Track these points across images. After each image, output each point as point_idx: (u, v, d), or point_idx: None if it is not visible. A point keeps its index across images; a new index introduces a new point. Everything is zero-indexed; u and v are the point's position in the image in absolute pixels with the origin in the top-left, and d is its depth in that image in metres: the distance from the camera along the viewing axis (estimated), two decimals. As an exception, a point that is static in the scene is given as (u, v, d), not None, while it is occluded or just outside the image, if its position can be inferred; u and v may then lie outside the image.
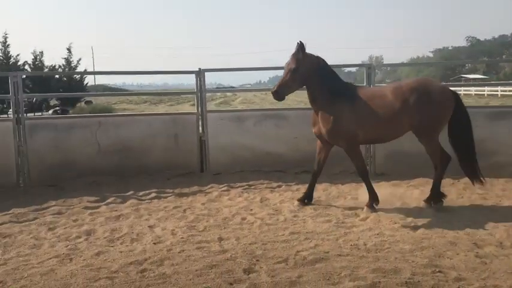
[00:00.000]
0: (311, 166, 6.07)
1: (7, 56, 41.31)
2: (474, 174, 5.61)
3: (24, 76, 7.22)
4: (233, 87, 44.46)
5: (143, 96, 47.34)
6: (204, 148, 7.62)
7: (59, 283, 3.60)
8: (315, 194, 6.13)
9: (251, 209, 5.68)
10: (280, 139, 7.52)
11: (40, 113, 25.93)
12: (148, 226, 5.10)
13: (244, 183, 6.96)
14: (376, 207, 5.52)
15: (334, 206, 5.76)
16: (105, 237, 4.76)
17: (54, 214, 5.64)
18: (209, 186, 6.89)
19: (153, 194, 6.45)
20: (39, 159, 7.00)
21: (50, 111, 27.41)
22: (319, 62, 5.59)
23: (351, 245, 4.37)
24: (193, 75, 7.58)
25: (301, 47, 5.46)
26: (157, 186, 6.81)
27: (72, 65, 42.64)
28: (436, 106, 5.40)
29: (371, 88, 6.43)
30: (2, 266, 4.00)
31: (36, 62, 42.37)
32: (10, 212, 5.70)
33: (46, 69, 41.37)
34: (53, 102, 31.43)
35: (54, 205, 5.99)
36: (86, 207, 5.90)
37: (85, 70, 42.67)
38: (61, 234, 4.89)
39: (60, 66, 42.30)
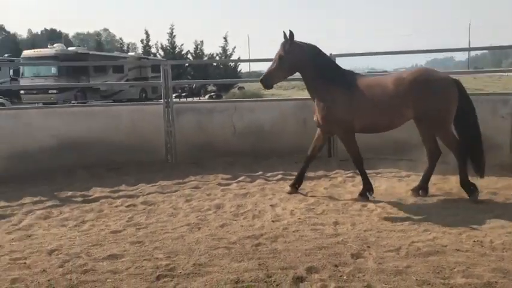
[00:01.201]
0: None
1: (173, 45, 45.95)
2: (479, 164, 5.40)
3: (171, 64, 7.97)
4: (387, 72, 42.79)
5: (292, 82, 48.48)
6: (332, 134, 7.67)
7: (185, 248, 4.10)
8: (446, 186, 5.80)
9: (374, 197, 5.62)
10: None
11: (198, 98, 28.51)
12: (270, 205, 5.42)
13: (372, 171, 6.83)
14: (370, 197, 5.49)
15: (466, 199, 5.38)
16: (231, 212, 5.21)
17: (192, 188, 6.31)
18: (335, 171, 6.97)
19: (280, 176, 6.77)
20: (185, 139, 7.83)
21: (207, 96, 29.96)
22: (310, 50, 5.60)
23: (474, 241, 4.10)
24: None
25: (289, 35, 5.51)
26: (284, 168, 7.11)
27: (228, 53, 45.69)
28: (440, 96, 5.26)
29: (371, 77, 6.14)
30: (143, 229, 4.68)
31: (197, 51, 46.35)
32: (157, 183, 6.52)
33: (205, 57, 44.98)
34: (210, 88, 34.05)
35: (194, 180, 6.70)
36: (219, 184, 6.47)
37: (238, 58, 45.59)
38: (195, 206, 5.48)
39: (217, 54, 45.63)
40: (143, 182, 6.54)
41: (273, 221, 4.81)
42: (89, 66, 24.28)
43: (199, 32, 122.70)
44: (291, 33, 5.52)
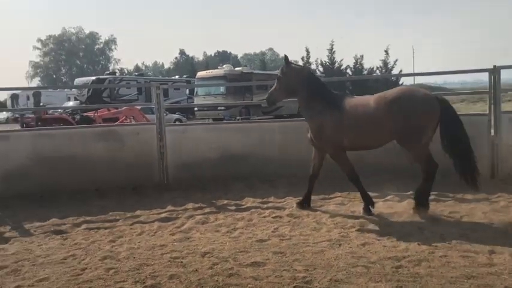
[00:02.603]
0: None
1: (332, 61, 46.57)
2: (471, 180, 5.47)
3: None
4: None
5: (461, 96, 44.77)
6: (494, 150, 6.95)
7: (323, 262, 4.17)
8: None
9: (374, 212, 5.50)
10: None
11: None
12: (418, 227, 5.13)
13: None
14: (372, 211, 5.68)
15: None
16: (374, 231, 5.10)
17: (337, 204, 6.34)
18: (497, 195, 6.28)
19: (432, 197, 6.35)
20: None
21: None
22: (304, 73, 6.10)
23: None
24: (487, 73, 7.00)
25: (285, 59, 6.14)
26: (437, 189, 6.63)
27: (389, 66, 44.48)
28: (417, 115, 5.41)
29: (358, 98, 6.23)
30: (286, 240, 4.88)
31: (357, 65, 46.16)
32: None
33: (365, 72, 44.51)
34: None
35: (339, 196, 6.72)
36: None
37: (400, 71, 43.92)
38: (338, 222, 5.50)
39: (377, 68, 44.77)
40: (291, 196, 6.78)
41: (418, 244, 4.57)
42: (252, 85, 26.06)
43: (361, 46, 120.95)
44: (286, 57, 6.16)
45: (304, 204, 6.24)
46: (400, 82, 43.42)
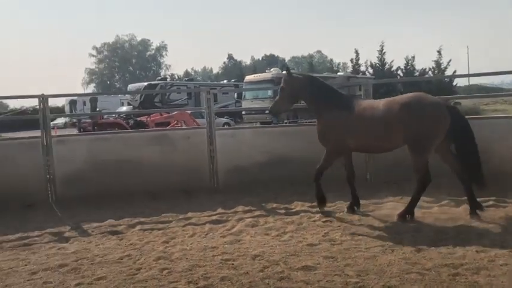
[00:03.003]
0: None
1: (382, 62, 45.62)
2: (480, 184, 5.59)
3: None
4: None
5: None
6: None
7: (376, 268, 4.09)
8: None
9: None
10: None
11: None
12: (477, 233, 4.95)
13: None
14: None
15: None
16: (428, 236, 4.95)
17: (390, 209, 6.16)
18: None
19: (491, 202, 6.09)
20: (383, 159, 7.63)
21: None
22: (306, 80, 6.40)
23: None
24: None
25: (286, 70, 6.63)
26: (500, 194, 6.34)
27: (442, 67, 43.01)
28: (427, 121, 5.46)
29: (368, 100, 6.47)
30: (337, 245, 4.82)
31: (408, 67, 44.97)
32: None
33: (417, 73, 43.32)
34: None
35: (391, 201, 6.56)
36: (420, 206, 6.13)
37: (454, 72, 42.26)
38: (391, 227, 5.39)
39: (430, 69, 43.41)
40: (341, 200, 6.68)
41: (477, 251, 4.39)
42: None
43: (412, 46, 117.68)
44: (287, 67, 6.52)
45: (355, 207, 6.19)
46: (454, 83, 41.94)
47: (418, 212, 5.83)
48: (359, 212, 6.15)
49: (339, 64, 78.31)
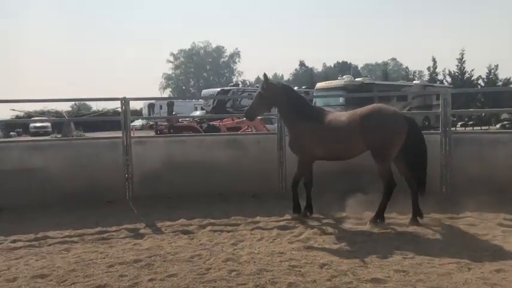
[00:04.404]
0: None
1: (462, 71, 43.50)
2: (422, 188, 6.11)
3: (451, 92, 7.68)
4: None
5: None
6: None
7: (451, 286, 3.92)
8: None
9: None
10: None
11: (488, 127, 26.03)
12: None
13: None
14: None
15: None
16: (510, 256, 4.63)
17: (467, 224, 5.87)
18: None
19: None
20: (462, 171, 7.35)
21: (498, 125, 27.12)
22: (282, 89, 6.64)
23: None
24: None
25: (264, 77, 6.62)
26: None
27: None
28: (386, 131, 5.93)
29: (334, 112, 6.78)
30: (409, 259, 4.65)
31: (490, 76, 42.53)
32: (428, 215, 6.29)
33: (500, 83, 40.97)
34: (504, 116, 30.55)
35: (469, 216, 6.21)
36: (500, 224, 5.81)
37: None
38: (468, 244, 5.10)
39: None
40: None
41: None
42: (373, 96, 25.37)
43: (496, 54, 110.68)
44: (265, 75, 6.61)
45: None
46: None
47: (497, 231, 5.48)
48: (431, 225, 5.87)
49: (414, 72, 75.63)
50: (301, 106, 6.59)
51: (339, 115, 6.49)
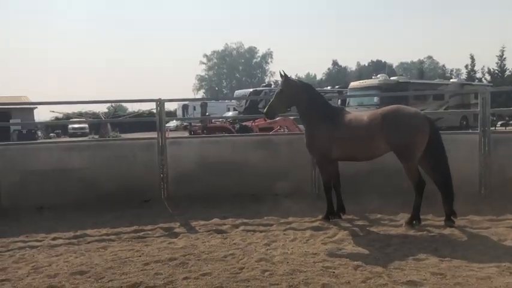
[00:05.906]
0: None
1: (502, 69, 42.09)
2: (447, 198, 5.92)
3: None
4: None
5: None
6: None
7: (495, 290, 3.78)
8: None
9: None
10: None
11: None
12: None
13: None
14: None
15: None
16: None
17: (507, 227, 5.67)
18: None
19: None
20: (502, 171, 7.13)
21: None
22: (302, 87, 6.57)
23: None
24: None
25: (284, 75, 6.48)
26: None
27: None
28: (408, 130, 5.87)
29: (354, 112, 6.70)
30: (447, 262, 4.55)
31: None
32: (467, 217, 6.14)
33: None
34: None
35: (510, 219, 6.01)
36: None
37: None
38: (508, 248, 4.93)
39: None
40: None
41: None
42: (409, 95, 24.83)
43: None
44: (285, 73, 6.46)
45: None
46: None
47: None
48: (470, 227, 5.71)
49: (451, 70, 73.66)
50: (320, 105, 6.49)
51: (360, 115, 6.44)
